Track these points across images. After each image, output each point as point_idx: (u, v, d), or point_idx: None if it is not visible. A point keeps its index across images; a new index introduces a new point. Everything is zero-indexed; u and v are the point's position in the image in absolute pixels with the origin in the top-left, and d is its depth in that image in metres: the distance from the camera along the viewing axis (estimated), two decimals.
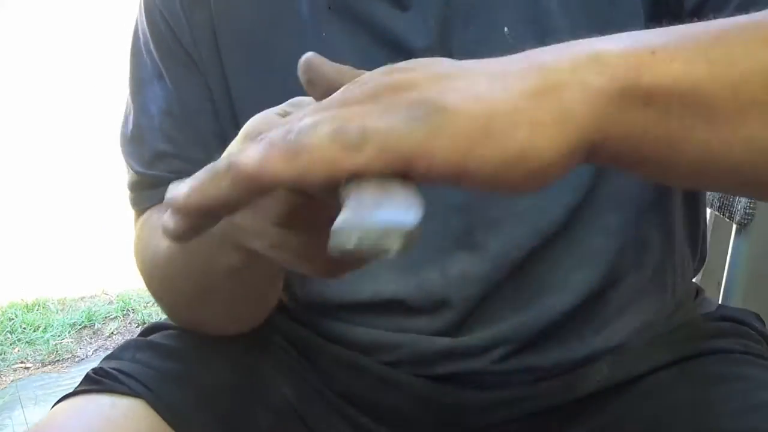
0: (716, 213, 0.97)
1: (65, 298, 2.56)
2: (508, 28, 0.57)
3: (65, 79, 4.55)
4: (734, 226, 0.93)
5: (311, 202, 0.42)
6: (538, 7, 0.57)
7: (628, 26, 0.54)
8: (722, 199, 0.94)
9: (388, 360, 0.68)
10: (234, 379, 0.71)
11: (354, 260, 0.29)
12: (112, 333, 2.36)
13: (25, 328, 2.38)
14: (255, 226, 0.46)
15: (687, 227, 0.68)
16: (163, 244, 0.61)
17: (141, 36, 0.69)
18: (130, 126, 0.69)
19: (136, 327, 2.38)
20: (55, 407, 0.64)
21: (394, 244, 0.27)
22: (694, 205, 0.69)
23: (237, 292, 0.60)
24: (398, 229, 0.28)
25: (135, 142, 0.69)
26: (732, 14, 0.47)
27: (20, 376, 2.15)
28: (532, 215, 0.59)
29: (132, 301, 2.49)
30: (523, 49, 0.56)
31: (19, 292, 2.55)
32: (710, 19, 0.49)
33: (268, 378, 0.73)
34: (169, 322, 0.77)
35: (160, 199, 0.68)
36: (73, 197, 3.24)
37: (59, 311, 2.49)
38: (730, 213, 0.92)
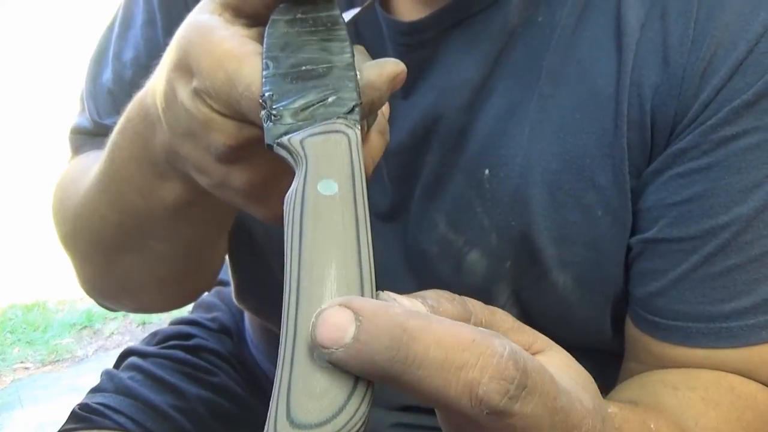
0: None
1: (65, 298, 2.55)
2: (489, 170, 0.54)
3: (65, 79, 4.55)
4: None
5: (258, 137, 0.38)
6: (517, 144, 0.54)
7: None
8: None
9: None
10: (220, 406, 0.71)
11: None
12: (112, 333, 2.36)
13: (25, 329, 2.38)
14: (197, 161, 0.41)
15: None
16: (92, 173, 0.54)
17: None
18: (109, 72, 0.64)
19: (136, 327, 2.38)
20: None
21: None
22: None
23: (175, 240, 0.54)
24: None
25: (104, 89, 0.64)
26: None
27: (20, 376, 2.15)
28: None
29: None
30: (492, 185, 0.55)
31: (19, 292, 2.54)
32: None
33: (253, 404, 0.73)
34: (143, 347, 0.77)
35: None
36: None
37: (59, 311, 2.49)
38: None
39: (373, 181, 0.56)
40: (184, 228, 0.52)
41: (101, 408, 0.65)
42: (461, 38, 0.54)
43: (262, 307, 0.67)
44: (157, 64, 0.61)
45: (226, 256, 0.66)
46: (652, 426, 0.44)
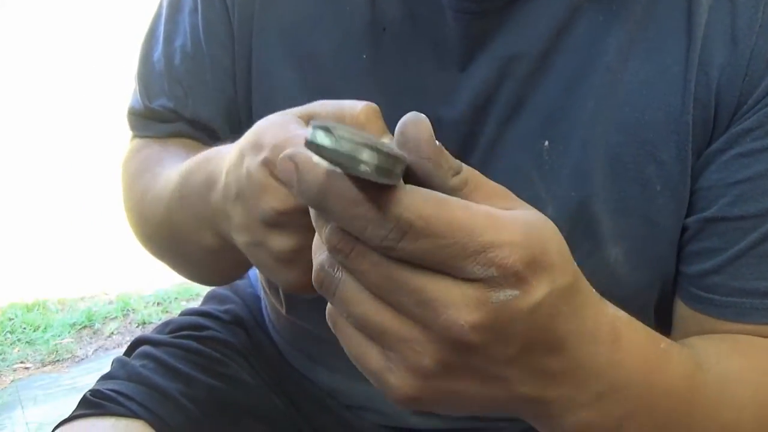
0: None
1: (65, 298, 2.55)
2: (548, 142, 0.55)
3: (65, 79, 4.55)
4: None
5: (305, 205, 0.42)
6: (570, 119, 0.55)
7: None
8: None
9: (350, 404, 0.68)
10: (231, 396, 0.71)
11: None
12: (112, 333, 2.36)
13: (25, 328, 2.37)
14: (243, 220, 0.46)
15: None
16: (156, 186, 0.61)
17: None
18: (159, 53, 0.67)
19: (136, 327, 2.38)
20: None
21: (370, 161, 0.28)
22: None
23: (211, 262, 0.60)
24: (376, 146, 0.28)
25: (155, 70, 0.67)
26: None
27: (20, 376, 2.15)
28: None
29: (132, 301, 2.49)
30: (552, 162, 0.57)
31: (19, 292, 2.54)
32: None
33: (266, 395, 0.73)
34: (155, 335, 0.77)
35: (161, 132, 0.67)
36: (73, 197, 3.24)
37: (59, 311, 2.49)
38: None
39: None
40: (215, 261, 0.59)
41: (113, 394, 0.65)
42: (525, 10, 0.55)
43: (315, 317, 0.68)
44: (200, 52, 0.64)
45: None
46: (662, 345, 0.43)
